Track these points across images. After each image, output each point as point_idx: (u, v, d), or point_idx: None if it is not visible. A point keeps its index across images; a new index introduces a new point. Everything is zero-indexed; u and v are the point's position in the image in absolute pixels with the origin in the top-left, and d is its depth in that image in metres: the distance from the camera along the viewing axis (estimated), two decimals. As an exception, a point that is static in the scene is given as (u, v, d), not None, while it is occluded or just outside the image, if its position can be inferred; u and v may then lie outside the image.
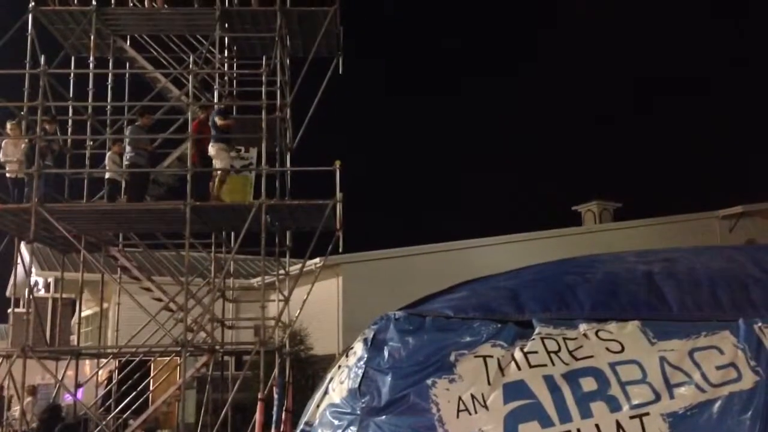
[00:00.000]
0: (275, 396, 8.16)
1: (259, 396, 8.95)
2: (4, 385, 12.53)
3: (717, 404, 3.80)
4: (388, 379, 4.33)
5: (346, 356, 4.81)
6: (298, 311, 13.44)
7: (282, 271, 14.01)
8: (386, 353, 4.48)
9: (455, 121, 64.00)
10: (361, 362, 4.53)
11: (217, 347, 12.65)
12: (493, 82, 63.98)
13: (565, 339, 4.22)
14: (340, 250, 12.67)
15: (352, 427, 4.29)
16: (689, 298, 4.36)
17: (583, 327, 4.26)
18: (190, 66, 12.82)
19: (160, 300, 13.87)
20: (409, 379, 4.29)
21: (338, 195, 12.04)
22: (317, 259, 15.06)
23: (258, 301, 12.88)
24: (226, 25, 13.95)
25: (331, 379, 4.80)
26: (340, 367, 4.77)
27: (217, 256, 14.47)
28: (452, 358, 4.30)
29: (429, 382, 4.22)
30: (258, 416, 8.50)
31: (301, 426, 4.89)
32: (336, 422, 4.42)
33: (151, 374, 15.17)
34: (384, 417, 4.23)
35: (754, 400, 3.79)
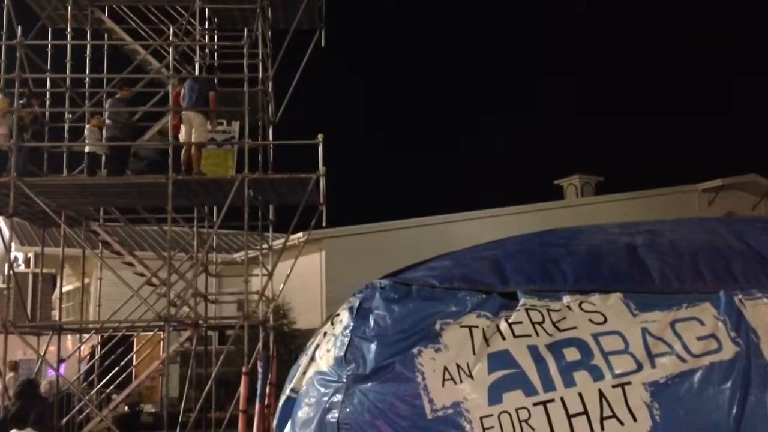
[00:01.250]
0: (259, 370, 8.15)
1: (243, 370, 8.94)
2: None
3: (698, 374, 3.86)
4: (374, 347, 4.36)
5: (332, 324, 4.82)
6: (282, 285, 13.44)
7: (265, 246, 13.98)
8: (372, 321, 4.50)
9: (437, 91, 63.86)
10: (347, 330, 4.55)
11: (201, 322, 12.63)
12: (478, 51, 63.81)
13: (549, 310, 4.26)
14: (324, 224, 12.66)
15: (337, 395, 4.32)
16: (671, 271, 4.40)
17: (566, 299, 4.31)
18: (170, 38, 12.64)
19: (142, 275, 13.79)
20: (395, 347, 4.31)
21: (321, 169, 11.99)
22: (300, 234, 15.03)
23: (241, 275, 12.86)
24: (207, -4, 13.73)
25: (318, 346, 4.81)
26: (326, 334, 4.79)
27: (199, 231, 14.39)
28: (438, 327, 4.33)
29: (415, 350, 4.25)
30: (242, 389, 8.50)
31: (286, 392, 4.91)
32: (322, 389, 4.45)
33: (134, 349, 15.14)
34: (369, 385, 4.26)
35: (733, 370, 3.85)
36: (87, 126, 12.57)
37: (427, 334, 4.32)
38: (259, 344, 11.81)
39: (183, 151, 12.15)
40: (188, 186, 12.19)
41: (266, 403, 7.67)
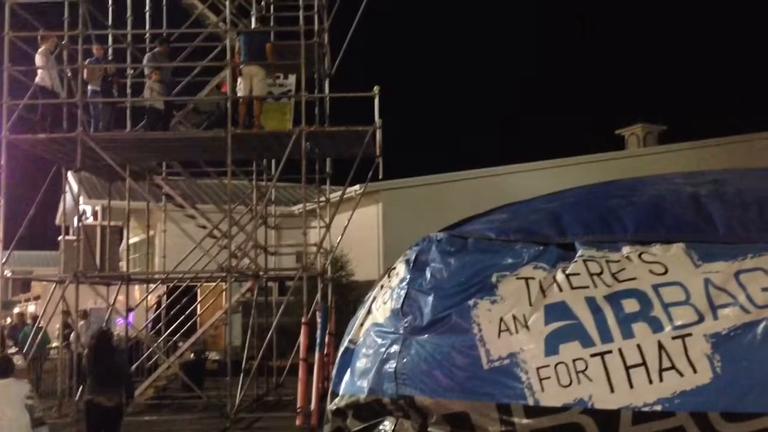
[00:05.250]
0: (318, 320, 8.31)
1: (303, 320, 9.12)
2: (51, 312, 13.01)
3: (762, 325, 3.79)
4: (430, 299, 4.40)
5: (389, 277, 4.88)
6: (339, 238, 13.58)
7: (323, 198, 14.12)
8: (428, 274, 4.54)
9: (494, 40, 62.51)
10: (404, 283, 4.61)
11: (261, 273, 12.91)
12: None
13: (607, 261, 4.22)
14: (380, 176, 12.69)
15: (395, 346, 4.40)
16: (736, 220, 4.30)
17: (626, 249, 4.26)
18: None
19: (204, 227, 14.13)
20: (451, 299, 4.35)
21: (377, 121, 11.96)
22: (357, 186, 15.09)
23: (299, 227, 13.04)
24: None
25: (374, 298, 4.88)
26: (382, 287, 4.85)
27: (258, 184, 14.61)
28: (494, 279, 4.35)
29: (471, 302, 4.28)
30: (302, 339, 8.69)
31: (345, 344, 5.01)
32: (380, 341, 4.52)
33: (198, 299, 15.61)
34: (426, 336, 4.31)
35: None
36: (147, 81, 12.80)
37: (484, 286, 4.34)
38: (318, 295, 12.01)
39: (240, 105, 12.27)
40: (247, 140, 12.34)
41: (325, 352, 7.84)
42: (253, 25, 13.76)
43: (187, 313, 14.60)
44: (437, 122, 59.21)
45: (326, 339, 8.03)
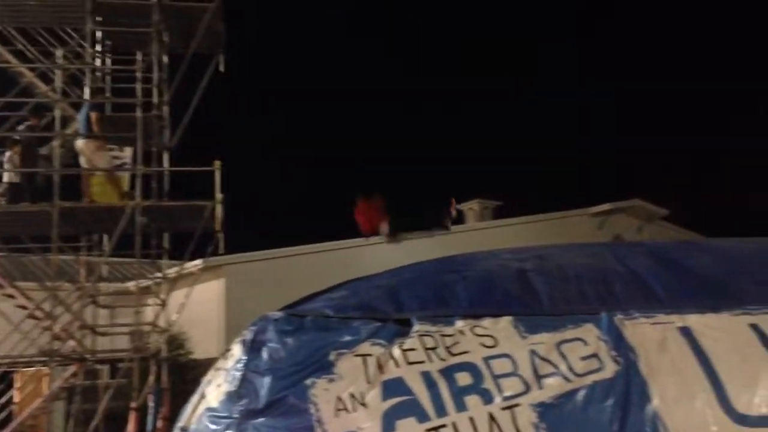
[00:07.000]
0: (150, 404, 7.83)
1: (133, 405, 8.57)
2: None
3: (581, 393, 3.97)
4: (267, 380, 4.26)
5: (225, 359, 4.70)
6: (177, 315, 13.02)
7: (159, 274, 13.53)
8: (265, 354, 4.41)
9: (337, 115, 64.23)
10: (240, 364, 4.45)
11: (88, 356, 12.04)
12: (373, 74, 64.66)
13: (442, 335, 4.30)
14: (221, 252, 12.40)
15: (229, 431, 4.19)
16: (558, 293, 4.54)
17: (459, 323, 4.35)
18: (59, 60, 12.17)
19: (24, 308, 13.05)
20: (288, 379, 4.23)
21: (218, 196, 11.76)
22: (198, 261, 14.62)
23: (134, 306, 12.38)
24: (99, 18, 13.29)
25: (209, 382, 4.67)
26: (218, 369, 4.66)
27: (88, 260, 13.77)
28: (332, 357, 4.29)
29: (308, 382, 4.19)
30: (131, 426, 8.15)
31: (176, 431, 4.72)
32: (213, 426, 4.30)
33: (16, 386, 14.28)
34: (262, 419, 4.15)
35: (615, 388, 3.98)
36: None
37: (322, 365, 4.27)
38: (151, 377, 11.36)
39: (83, 179, 11.73)
40: (75, 214, 11.69)
41: (158, 439, 7.38)
42: (86, 96, 13.23)
43: (2, 401, 13.29)
44: (282, 196, 59.27)
45: (159, 424, 7.58)
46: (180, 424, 4.75)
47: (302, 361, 4.29)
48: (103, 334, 14.32)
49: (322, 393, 4.14)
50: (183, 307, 12.75)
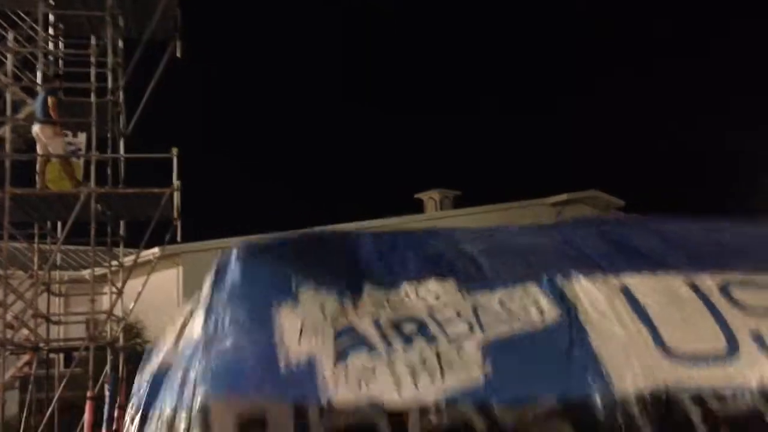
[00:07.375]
0: (107, 393, 7.79)
1: (88, 394, 8.48)
2: None
3: (524, 334, 4.15)
4: (231, 304, 4.42)
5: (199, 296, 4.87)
6: (134, 303, 12.88)
7: (115, 262, 13.35)
8: (229, 282, 4.59)
9: (298, 103, 63.92)
10: (207, 291, 4.66)
11: (42, 345, 11.86)
12: (322, 63, 64.46)
13: (389, 298, 4.52)
14: (179, 239, 12.28)
15: (197, 355, 4.28)
16: (503, 267, 4.70)
17: (405, 286, 4.59)
18: (10, 44, 11.92)
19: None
20: (251, 302, 4.41)
21: (175, 183, 11.65)
22: (155, 249, 14.47)
23: (89, 294, 12.22)
24: (51, 1, 13.02)
25: (185, 322, 4.91)
26: (191, 311, 4.88)
27: (41, 248, 13.54)
28: (293, 285, 4.46)
29: (273, 307, 4.33)
30: (87, 415, 8.07)
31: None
32: (187, 352, 4.46)
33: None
34: (228, 343, 4.23)
35: (556, 332, 4.18)
36: None
37: (283, 290, 4.43)
38: (107, 366, 11.25)
39: (38, 165, 11.56)
40: (28, 201, 11.48)
41: (114, 427, 7.35)
42: (38, 80, 12.98)
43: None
44: (241, 182, 58.77)
45: (116, 413, 7.54)
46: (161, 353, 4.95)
47: (265, 287, 4.49)
48: (57, 323, 14.14)
49: (286, 316, 4.28)
50: (140, 296, 12.63)
